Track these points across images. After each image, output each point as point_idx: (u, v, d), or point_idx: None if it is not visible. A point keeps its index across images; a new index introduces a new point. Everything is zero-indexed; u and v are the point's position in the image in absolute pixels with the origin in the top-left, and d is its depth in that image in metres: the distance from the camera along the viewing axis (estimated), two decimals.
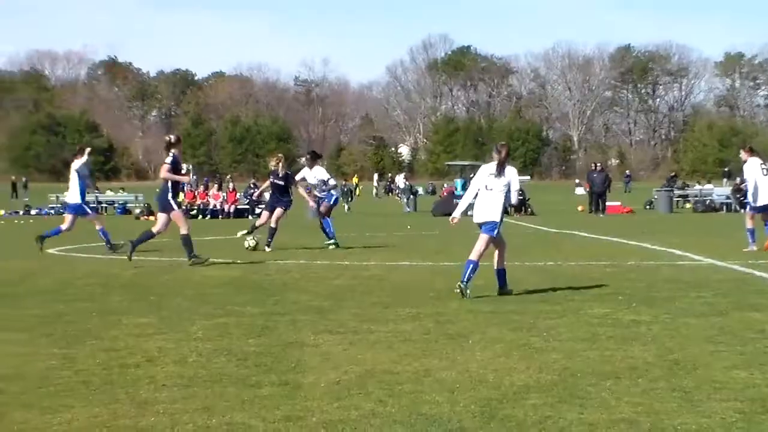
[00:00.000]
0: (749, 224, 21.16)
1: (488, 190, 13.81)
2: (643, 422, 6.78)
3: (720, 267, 17.51)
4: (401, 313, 12.12)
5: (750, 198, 21.38)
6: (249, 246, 22.03)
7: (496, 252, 13.93)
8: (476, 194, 13.97)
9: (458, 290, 13.42)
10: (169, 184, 18.70)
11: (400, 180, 76.51)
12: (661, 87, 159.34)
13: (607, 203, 47.54)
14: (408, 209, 54.05)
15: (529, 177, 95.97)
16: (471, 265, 13.57)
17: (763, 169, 21.04)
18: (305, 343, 10.02)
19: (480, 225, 13.84)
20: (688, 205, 51.69)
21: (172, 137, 19.16)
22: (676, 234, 27.99)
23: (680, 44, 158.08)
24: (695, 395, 7.51)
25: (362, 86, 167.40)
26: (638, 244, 23.62)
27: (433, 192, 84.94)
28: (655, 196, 50.35)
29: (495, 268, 13.98)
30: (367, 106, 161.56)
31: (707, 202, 49.53)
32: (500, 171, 13.83)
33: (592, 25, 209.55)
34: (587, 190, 50.49)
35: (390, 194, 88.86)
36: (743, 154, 21.58)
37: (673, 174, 60.85)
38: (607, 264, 18.49)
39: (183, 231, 18.76)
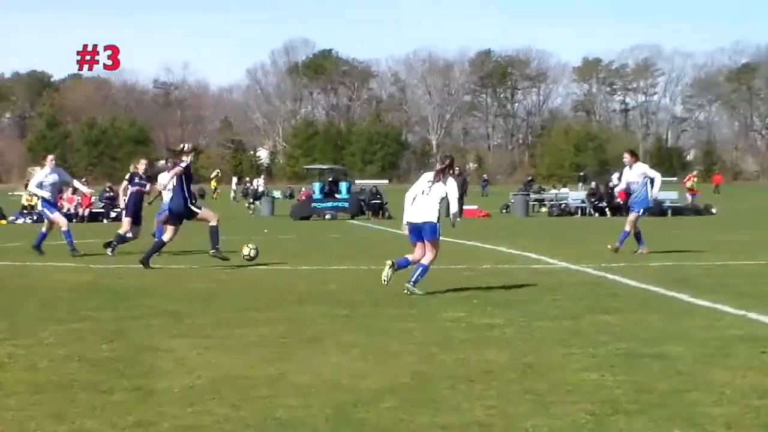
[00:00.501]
0: (630, 227, 21.42)
1: (425, 195, 14.74)
2: (496, 425, 6.86)
3: (574, 270, 17.82)
4: (257, 317, 12.06)
5: (635, 200, 21.71)
6: (248, 255, 19.49)
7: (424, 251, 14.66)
8: (414, 199, 14.80)
9: (407, 291, 14.18)
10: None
11: (258, 183, 76.20)
12: (519, 92, 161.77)
13: (464, 207, 48.04)
14: (254, 213, 53.78)
15: (387, 181, 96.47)
16: (421, 268, 14.43)
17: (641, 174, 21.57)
18: (159, 348, 9.91)
19: (416, 229, 14.61)
20: (543, 209, 52.53)
21: (187, 146, 19.39)
22: (532, 238, 28.41)
23: (539, 49, 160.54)
24: (548, 397, 7.62)
25: (222, 89, 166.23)
26: (494, 248, 23.93)
27: (291, 196, 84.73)
28: (512, 200, 51.04)
29: (413, 260, 14.64)
30: (226, 109, 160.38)
31: (562, 206, 50.42)
32: (437, 179, 14.85)
33: (453, 29, 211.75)
34: None
35: (246, 198, 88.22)
36: (628, 158, 21.84)
37: (529, 178, 61.81)
38: (463, 268, 18.68)
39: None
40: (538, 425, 6.83)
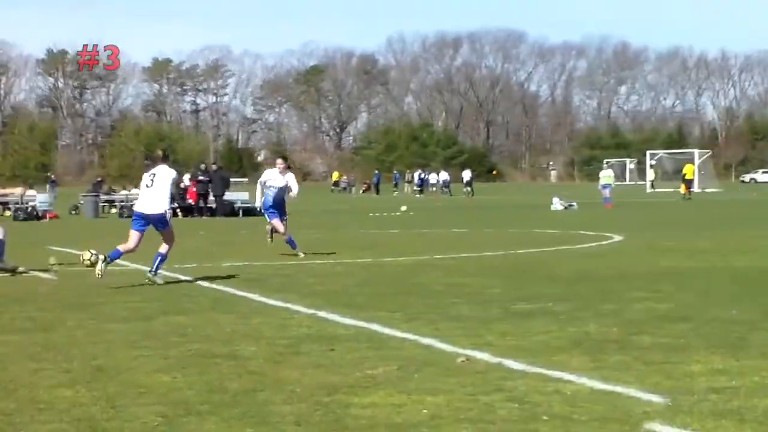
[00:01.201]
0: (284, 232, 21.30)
1: (148, 187, 15.89)
2: (67, 430, 6.74)
3: (145, 271, 17.73)
4: None
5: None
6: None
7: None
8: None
9: (148, 281, 15.46)
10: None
11: None
12: (89, 91, 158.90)
13: None
14: None
15: None
16: (160, 257, 15.81)
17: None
18: None
19: (145, 218, 15.77)
20: (114, 210, 51.87)
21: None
22: (102, 239, 28.00)
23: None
24: (118, 400, 7.55)
25: None
26: (63, 249, 23.41)
27: None
28: (81, 202, 50.14)
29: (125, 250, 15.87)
30: None
31: (132, 206, 49.99)
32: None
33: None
34: None
35: None
36: (282, 164, 21.58)
37: (99, 179, 60.77)
38: (23, 270, 18.11)
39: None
40: (109, 428, 6.77)
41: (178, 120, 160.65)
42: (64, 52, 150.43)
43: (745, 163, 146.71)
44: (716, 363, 8.77)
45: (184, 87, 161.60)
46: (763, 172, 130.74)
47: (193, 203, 47.59)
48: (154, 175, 15.89)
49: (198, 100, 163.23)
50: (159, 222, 15.77)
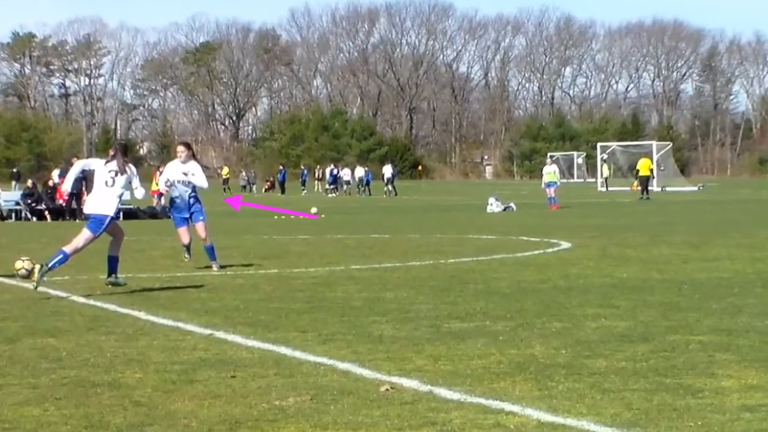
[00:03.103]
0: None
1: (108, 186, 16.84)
2: None
3: (8, 285, 17.59)
4: None
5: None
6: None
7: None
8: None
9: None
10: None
11: None
12: None
13: None
14: None
15: None
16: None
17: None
18: None
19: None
20: None
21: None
22: None
23: None
24: None
25: None
26: None
27: None
28: None
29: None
30: None
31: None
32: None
33: None
34: None
35: None
36: (184, 152, 21.14)
37: None
38: None
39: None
40: None
41: (45, 106, 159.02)
42: (31, 35, 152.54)
43: None
44: (688, 389, 8.87)
45: (51, 67, 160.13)
46: None
47: (64, 204, 47.15)
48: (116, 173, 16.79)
49: (68, 83, 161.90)
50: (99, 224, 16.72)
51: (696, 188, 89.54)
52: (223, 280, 18.47)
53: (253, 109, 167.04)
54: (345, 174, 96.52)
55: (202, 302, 15.27)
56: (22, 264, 16.84)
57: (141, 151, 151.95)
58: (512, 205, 50.02)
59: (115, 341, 11.76)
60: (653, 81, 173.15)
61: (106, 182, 16.91)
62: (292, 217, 46.23)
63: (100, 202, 16.81)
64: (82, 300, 15.61)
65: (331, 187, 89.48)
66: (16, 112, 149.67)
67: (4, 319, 13.55)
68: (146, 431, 7.72)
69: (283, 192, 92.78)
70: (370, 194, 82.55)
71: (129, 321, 13.45)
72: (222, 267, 20.54)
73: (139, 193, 18.50)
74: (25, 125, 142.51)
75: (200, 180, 20.93)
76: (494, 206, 49.12)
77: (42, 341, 11.77)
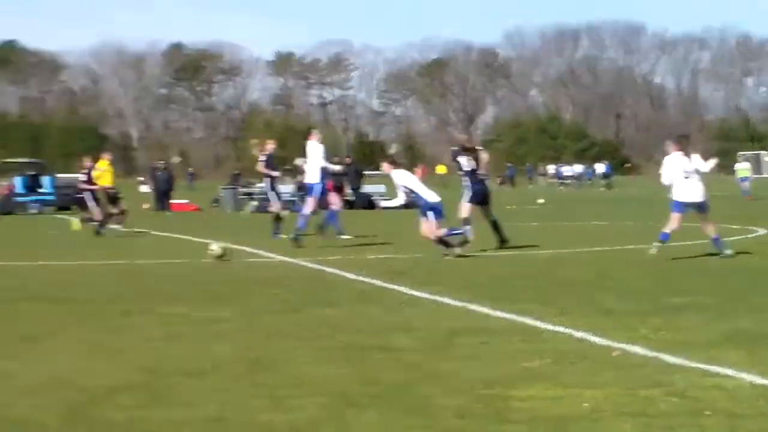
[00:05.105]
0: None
1: None
2: (231, 419, 6.87)
3: (291, 264, 17.96)
4: None
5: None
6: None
7: None
8: None
9: None
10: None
11: None
12: (216, 85, 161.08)
13: (175, 201, 47.91)
14: None
15: None
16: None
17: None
18: None
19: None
20: (254, 203, 52.48)
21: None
22: (245, 232, 28.41)
23: (232, 42, 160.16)
24: (279, 391, 7.65)
25: None
26: (208, 242, 23.79)
27: None
28: (221, 194, 50.86)
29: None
30: None
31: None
32: None
33: (141, 21, 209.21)
34: (153, 188, 50.62)
35: None
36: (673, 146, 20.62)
37: (236, 172, 61.54)
38: (180, 262, 18.53)
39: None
40: (274, 419, 6.86)
41: (307, 113, 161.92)
42: (290, 54, 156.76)
43: None
44: None
45: (309, 81, 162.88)
46: None
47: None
48: None
49: (324, 94, 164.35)
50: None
51: None
52: (468, 260, 18.43)
53: (482, 114, 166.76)
54: (567, 170, 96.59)
55: (454, 279, 15.25)
56: (217, 247, 17.88)
57: (391, 151, 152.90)
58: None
59: (382, 311, 11.89)
60: None
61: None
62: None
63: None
64: (352, 276, 15.78)
65: (562, 181, 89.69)
66: (284, 119, 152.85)
67: (290, 292, 13.82)
68: (416, 388, 7.78)
69: (513, 186, 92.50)
70: (610, 187, 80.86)
71: (394, 295, 13.53)
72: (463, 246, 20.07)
73: None
74: (293, 129, 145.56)
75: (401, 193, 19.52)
76: None
77: (321, 311, 11.95)
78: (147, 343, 9.79)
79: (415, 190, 18.92)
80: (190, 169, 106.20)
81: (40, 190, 46.12)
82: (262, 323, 11.05)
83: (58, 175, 58.11)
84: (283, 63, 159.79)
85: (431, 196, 18.81)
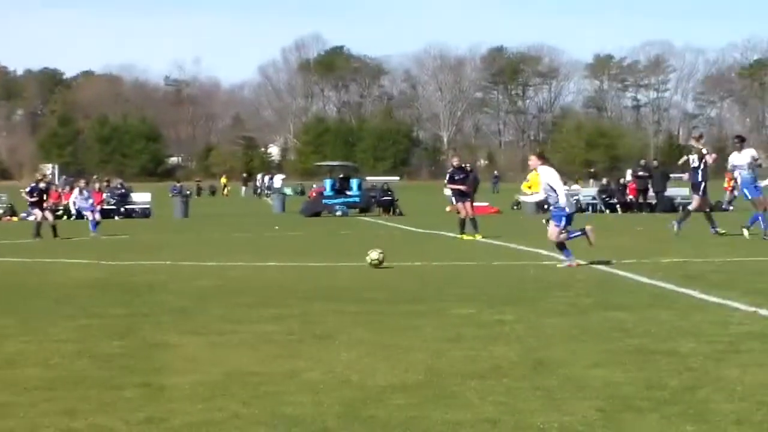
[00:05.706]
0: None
1: None
2: (506, 421, 6.85)
3: (583, 267, 17.77)
4: (266, 313, 12.06)
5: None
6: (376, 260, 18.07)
7: None
8: None
9: None
10: None
11: (278, 180, 77.10)
12: (531, 88, 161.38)
13: (476, 204, 48.16)
14: (277, 210, 53.74)
15: (398, 177, 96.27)
16: None
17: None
18: (169, 345, 9.92)
19: None
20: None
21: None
22: (542, 235, 28.28)
23: (551, 46, 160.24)
24: (558, 394, 7.60)
25: (234, 86, 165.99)
26: (504, 245, 23.89)
27: (302, 192, 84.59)
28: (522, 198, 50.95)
29: None
30: (237, 106, 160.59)
31: (574, 202, 50.29)
32: None
33: (465, 26, 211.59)
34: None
35: (259, 195, 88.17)
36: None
37: None
38: (472, 264, 18.66)
39: None
40: (548, 422, 6.81)
41: (619, 116, 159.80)
42: (609, 57, 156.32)
43: None
44: None
45: (625, 83, 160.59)
46: None
47: (632, 198, 47.49)
48: None
49: (639, 96, 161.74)
50: None
51: None
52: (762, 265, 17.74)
53: None
54: None
55: (749, 284, 14.72)
56: (375, 254, 17.47)
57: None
58: None
59: (673, 315, 11.59)
60: None
61: None
62: None
63: None
64: (645, 280, 15.46)
65: None
66: (594, 122, 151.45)
67: (579, 295, 13.68)
68: (698, 393, 7.58)
69: None
70: None
71: (685, 299, 13.19)
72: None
73: None
74: (602, 132, 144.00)
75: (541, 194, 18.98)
76: None
77: (611, 314, 11.76)
78: (430, 343, 9.89)
79: (557, 191, 18.28)
80: (495, 172, 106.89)
81: (348, 193, 47.43)
82: (549, 326, 10.98)
83: (367, 178, 59.81)
84: (600, 65, 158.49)
85: (568, 204, 18.43)
